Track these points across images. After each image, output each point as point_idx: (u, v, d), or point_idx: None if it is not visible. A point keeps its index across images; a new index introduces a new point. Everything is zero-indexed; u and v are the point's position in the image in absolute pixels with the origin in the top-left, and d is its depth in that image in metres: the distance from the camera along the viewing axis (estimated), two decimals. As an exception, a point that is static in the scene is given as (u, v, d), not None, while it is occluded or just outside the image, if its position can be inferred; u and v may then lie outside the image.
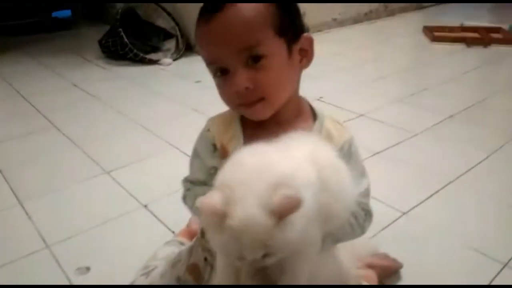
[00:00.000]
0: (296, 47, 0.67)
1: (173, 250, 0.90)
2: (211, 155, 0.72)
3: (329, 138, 0.70)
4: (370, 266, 0.91)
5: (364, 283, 0.86)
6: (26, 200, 1.29)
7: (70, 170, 1.47)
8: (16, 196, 1.31)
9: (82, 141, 1.66)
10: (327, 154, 0.61)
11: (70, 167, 1.49)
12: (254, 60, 0.62)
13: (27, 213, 1.22)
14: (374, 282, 0.90)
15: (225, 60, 0.63)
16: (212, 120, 0.75)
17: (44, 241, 1.11)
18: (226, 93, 0.67)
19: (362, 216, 0.72)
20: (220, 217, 0.50)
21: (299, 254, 0.58)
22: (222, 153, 0.70)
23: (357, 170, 0.71)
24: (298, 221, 0.51)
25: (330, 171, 0.58)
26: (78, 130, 1.76)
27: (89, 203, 1.28)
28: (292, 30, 0.65)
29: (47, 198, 1.31)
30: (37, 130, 1.80)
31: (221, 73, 0.65)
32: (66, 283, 0.97)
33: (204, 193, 0.73)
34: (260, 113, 0.67)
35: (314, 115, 0.73)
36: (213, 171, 0.74)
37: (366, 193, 0.74)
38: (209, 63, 0.66)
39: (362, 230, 0.73)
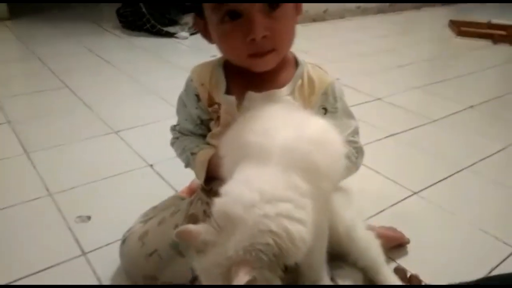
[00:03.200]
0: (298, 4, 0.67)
1: (174, 202, 0.88)
2: (195, 105, 0.74)
3: (310, 83, 0.70)
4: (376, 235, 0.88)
5: (374, 241, 0.83)
6: (32, 151, 1.28)
7: (79, 127, 1.46)
8: (23, 147, 1.30)
9: (93, 102, 1.65)
10: (307, 139, 0.57)
11: (79, 125, 1.48)
12: (273, 7, 0.60)
13: (32, 163, 1.22)
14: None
15: (242, 3, 0.59)
16: (195, 69, 0.74)
17: (47, 189, 1.10)
18: (237, 41, 0.62)
19: (354, 154, 0.74)
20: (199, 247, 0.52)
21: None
22: (209, 102, 0.72)
23: (344, 112, 0.73)
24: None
25: (319, 158, 0.55)
26: (90, 92, 1.75)
27: (95, 158, 1.27)
28: None
29: (54, 151, 1.30)
30: (50, 89, 1.79)
31: (230, 18, 0.61)
32: (66, 229, 0.96)
33: (191, 143, 0.76)
34: (269, 64, 0.66)
35: (296, 64, 0.73)
36: (199, 122, 0.76)
37: (356, 131, 0.75)
38: (218, 6, 0.61)
39: (356, 167, 0.76)
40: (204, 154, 0.73)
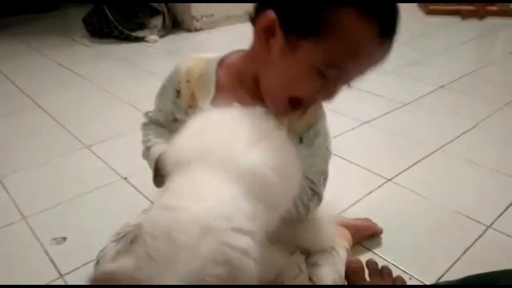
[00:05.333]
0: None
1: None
2: (172, 99, 0.68)
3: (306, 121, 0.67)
4: (344, 225, 0.90)
5: (341, 242, 0.84)
6: (4, 175, 1.26)
7: (50, 146, 1.44)
8: (-6, 171, 1.28)
9: (65, 119, 1.62)
10: (276, 165, 0.51)
11: (51, 144, 1.46)
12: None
13: (4, 187, 1.20)
14: (348, 240, 0.89)
15: (351, 75, 0.58)
16: (186, 62, 0.67)
17: (20, 213, 1.08)
18: (310, 89, 0.58)
19: (307, 195, 0.67)
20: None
21: None
22: (190, 103, 0.66)
23: (319, 152, 0.69)
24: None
25: (276, 188, 0.50)
26: (61, 108, 1.72)
27: (68, 176, 1.25)
28: None
29: (26, 172, 1.28)
30: (20, 110, 1.75)
31: (324, 76, 0.56)
32: (42, 252, 0.95)
33: (157, 134, 0.72)
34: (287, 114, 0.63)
35: None
36: (172, 118, 0.71)
37: (321, 175, 0.70)
38: (335, 67, 0.56)
39: (307, 210, 0.67)
40: (157, 151, 0.68)
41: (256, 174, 0.48)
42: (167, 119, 0.72)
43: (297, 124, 0.65)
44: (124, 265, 0.45)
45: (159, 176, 0.67)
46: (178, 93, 0.67)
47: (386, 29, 0.55)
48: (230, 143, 0.50)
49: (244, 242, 0.44)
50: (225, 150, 0.50)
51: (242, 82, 0.64)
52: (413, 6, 3.17)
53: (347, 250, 0.86)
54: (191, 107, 0.66)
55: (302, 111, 0.63)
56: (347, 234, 0.89)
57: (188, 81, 0.66)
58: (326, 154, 0.70)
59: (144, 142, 0.74)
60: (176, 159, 0.52)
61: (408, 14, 3.09)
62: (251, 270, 0.44)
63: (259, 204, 0.48)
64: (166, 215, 0.45)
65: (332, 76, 0.56)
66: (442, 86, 1.80)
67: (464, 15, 2.86)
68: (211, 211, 0.44)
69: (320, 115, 0.68)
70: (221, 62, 0.66)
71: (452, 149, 1.32)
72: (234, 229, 0.44)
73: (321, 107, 0.69)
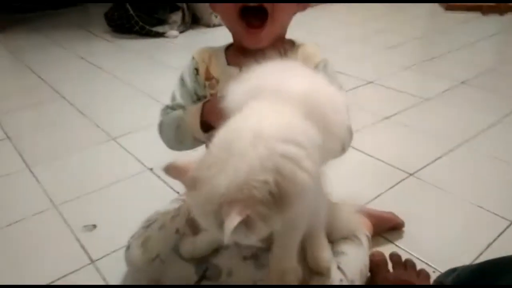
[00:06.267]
0: None
1: (175, 206, 0.90)
2: (193, 78, 0.76)
3: (305, 58, 0.72)
4: (365, 215, 0.91)
5: (362, 230, 0.85)
6: (34, 165, 1.30)
7: (77, 137, 1.48)
8: (24, 161, 1.32)
9: (88, 110, 1.67)
10: (324, 91, 0.56)
11: (77, 134, 1.50)
12: None
13: (35, 176, 1.24)
14: (369, 229, 0.90)
15: None
16: (197, 49, 0.79)
17: (51, 201, 1.12)
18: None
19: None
20: (189, 183, 0.48)
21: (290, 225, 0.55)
22: (206, 76, 0.74)
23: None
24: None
25: (329, 110, 0.53)
26: (85, 100, 1.77)
27: (95, 167, 1.29)
28: None
29: (55, 163, 1.32)
30: (45, 101, 1.80)
31: None
32: (73, 239, 0.98)
33: (181, 114, 0.74)
34: (263, 40, 0.70)
35: (294, 46, 0.76)
36: (195, 98, 0.77)
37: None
38: None
39: (344, 148, 0.70)
40: (196, 106, 0.73)
41: (310, 98, 0.52)
42: (191, 102, 0.77)
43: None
44: (189, 165, 0.49)
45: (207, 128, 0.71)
46: (196, 71, 0.76)
47: None
48: (281, 79, 0.54)
49: (296, 153, 0.46)
50: (278, 84, 0.53)
51: (238, 52, 0.75)
52: (434, 2, 3.14)
53: (368, 238, 0.87)
54: (208, 79, 0.75)
55: (271, 22, 0.68)
56: (368, 223, 0.90)
57: (203, 61, 0.76)
58: (340, 83, 0.74)
59: (174, 118, 0.76)
60: (233, 101, 0.55)
61: (428, 9, 3.06)
62: (303, 183, 0.46)
63: (315, 127, 0.50)
64: (228, 130, 0.49)
65: None
66: (463, 82, 1.79)
67: (485, 10, 2.82)
68: (268, 124, 0.47)
69: (320, 56, 0.74)
70: (225, 46, 0.79)
71: (475, 145, 1.32)
72: (287, 140, 0.46)
73: (318, 50, 0.75)
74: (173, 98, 0.79)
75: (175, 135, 0.76)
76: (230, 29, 0.74)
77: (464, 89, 1.74)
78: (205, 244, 0.76)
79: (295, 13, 0.74)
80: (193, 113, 0.72)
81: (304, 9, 0.74)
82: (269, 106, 0.50)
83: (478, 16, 2.79)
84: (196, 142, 0.75)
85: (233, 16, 0.68)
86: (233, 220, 0.43)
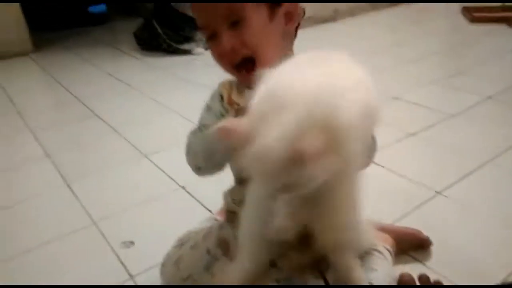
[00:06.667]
0: (280, 11, 0.70)
1: (207, 225, 0.94)
2: (219, 103, 0.77)
3: None
4: (385, 231, 0.92)
5: (380, 244, 0.86)
6: (72, 182, 1.37)
7: (111, 154, 1.55)
8: (63, 178, 1.39)
9: (120, 127, 1.74)
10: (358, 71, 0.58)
11: (110, 152, 1.57)
12: (236, 23, 0.67)
13: (74, 193, 1.30)
14: (390, 244, 0.90)
15: (213, 24, 0.67)
16: (220, 82, 0.81)
17: (90, 217, 1.18)
18: (216, 55, 0.71)
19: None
20: (243, 141, 0.48)
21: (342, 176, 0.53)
22: (228, 101, 0.76)
23: None
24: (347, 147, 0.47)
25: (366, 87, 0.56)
26: (116, 117, 1.84)
27: (130, 183, 1.35)
28: None
29: (91, 179, 1.39)
30: (79, 118, 1.89)
31: (211, 37, 0.69)
32: (113, 255, 1.04)
33: (208, 130, 0.75)
34: (250, 75, 0.69)
35: None
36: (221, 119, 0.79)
37: None
38: (201, 28, 0.70)
39: (370, 156, 0.71)
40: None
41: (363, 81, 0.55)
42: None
43: None
44: (240, 123, 0.50)
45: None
46: (221, 97, 0.78)
47: None
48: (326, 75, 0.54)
49: (346, 105, 0.47)
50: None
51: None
52: (457, 14, 3.13)
53: (390, 252, 0.87)
54: (231, 104, 0.77)
55: (257, 61, 0.70)
56: (389, 238, 0.91)
57: (225, 88, 0.78)
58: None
59: (197, 134, 0.79)
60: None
61: (452, 22, 3.05)
62: (353, 138, 0.47)
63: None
64: (278, 83, 0.51)
65: (207, 34, 0.69)
66: (489, 97, 1.78)
67: (511, 22, 2.79)
68: (319, 79, 0.49)
69: None
70: None
71: (503, 162, 1.32)
72: (335, 93, 0.48)
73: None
74: (200, 122, 0.82)
75: (203, 149, 0.78)
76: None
77: (491, 104, 1.73)
78: (237, 272, 0.76)
79: (286, 32, 0.72)
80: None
81: (292, 26, 0.73)
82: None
83: (504, 28, 2.76)
84: (225, 158, 0.75)
85: (227, 68, 0.73)
86: (312, 145, 0.43)
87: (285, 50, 0.74)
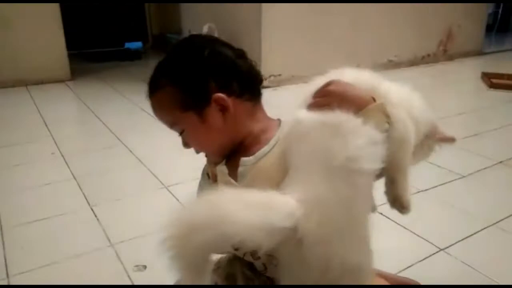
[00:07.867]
0: (210, 109, 0.75)
1: (217, 257, 0.99)
2: (208, 182, 0.87)
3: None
4: (382, 277, 0.95)
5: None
6: (95, 204, 1.46)
7: (134, 182, 1.65)
8: (87, 200, 1.49)
9: (145, 158, 1.85)
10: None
11: (134, 180, 1.67)
12: (183, 131, 0.80)
13: (95, 215, 1.39)
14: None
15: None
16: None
17: (108, 240, 1.26)
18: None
19: None
20: None
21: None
22: (212, 179, 0.84)
23: None
24: None
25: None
26: (142, 149, 1.96)
27: (149, 211, 1.43)
28: (196, 102, 0.75)
29: (113, 204, 1.48)
30: (108, 146, 2.02)
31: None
32: (125, 277, 1.10)
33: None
34: (211, 161, 0.84)
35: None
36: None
37: None
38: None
39: None
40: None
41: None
42: None
43: None
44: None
45: None
46: (208, 176, 0.87)
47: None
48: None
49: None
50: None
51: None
52: (477, 79, 3.22)
53: None
54: (215, 181, 0.83)
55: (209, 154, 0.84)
56: (385, 282, 0.94)
57: (209, 166, 0.86)
58: None
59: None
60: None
61: (471, 86, 3.15)
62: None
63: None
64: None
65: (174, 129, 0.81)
66: (501, 162, 1.83)
67: (528, 91, 2.86)
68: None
69: None
70: None
71: (508, 226, 1.35)
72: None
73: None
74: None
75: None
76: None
77: (501, 169, 1.77)
78: None
79: (227, 121, 0.77)
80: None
81: (206, 120, 0.76)
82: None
83: (521, 97, 2.83)
84: None
85: None
86: None
87: (246, 126, 0.78)
